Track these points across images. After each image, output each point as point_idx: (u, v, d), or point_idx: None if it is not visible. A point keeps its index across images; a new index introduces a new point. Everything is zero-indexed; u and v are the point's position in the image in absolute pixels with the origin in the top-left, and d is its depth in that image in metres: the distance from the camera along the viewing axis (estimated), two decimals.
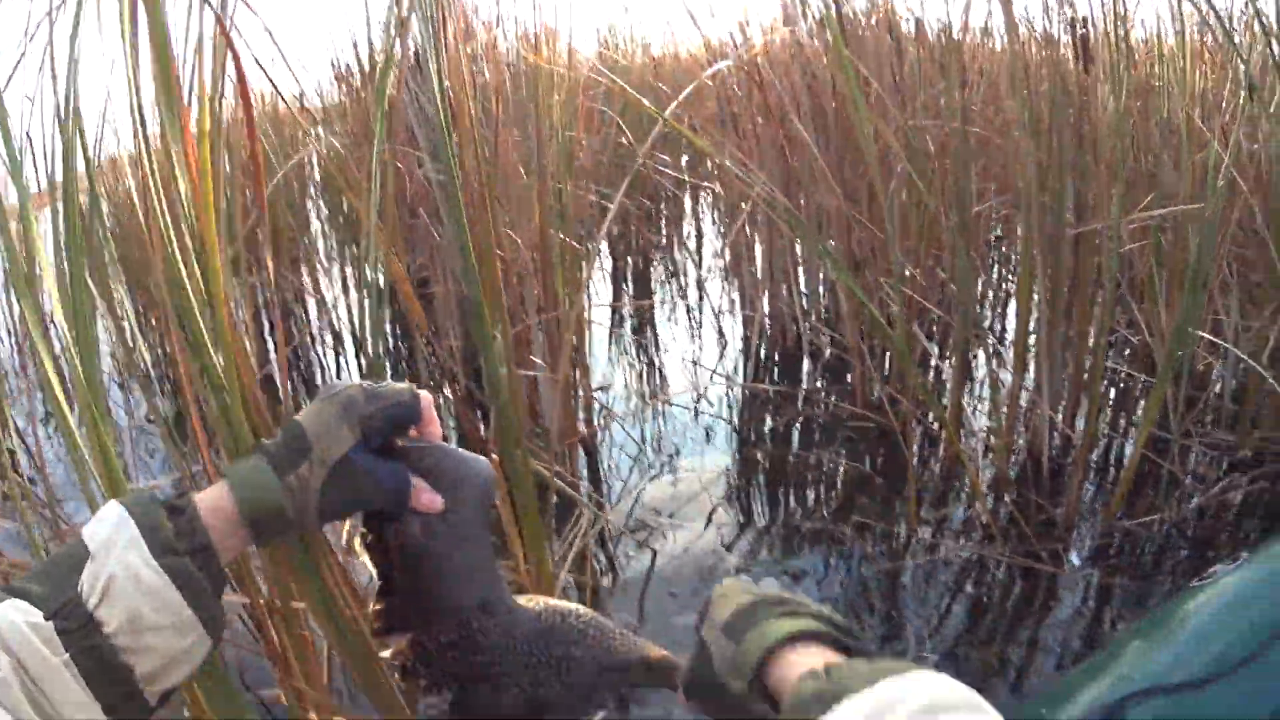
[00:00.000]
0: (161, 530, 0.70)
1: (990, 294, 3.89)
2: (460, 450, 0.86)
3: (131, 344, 2.41)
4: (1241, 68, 2.12)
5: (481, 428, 2.86)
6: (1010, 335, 3.49)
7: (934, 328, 3.45)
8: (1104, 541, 2.38)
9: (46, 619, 0.64)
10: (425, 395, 0.85)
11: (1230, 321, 2.70)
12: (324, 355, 4.45)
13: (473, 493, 0.85)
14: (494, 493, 0.88)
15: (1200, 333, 2.51)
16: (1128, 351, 3.30)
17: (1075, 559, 2.34)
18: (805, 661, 0.69)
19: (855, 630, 0.76)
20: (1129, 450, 2.79)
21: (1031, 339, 2.71)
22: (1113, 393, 3.18)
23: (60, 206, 1.06)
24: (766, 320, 3.92)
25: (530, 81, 2.47)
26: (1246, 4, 2.57)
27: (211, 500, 0.76)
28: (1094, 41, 2.47)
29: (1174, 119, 2.53)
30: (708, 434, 3.23)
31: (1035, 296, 2.63)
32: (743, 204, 3.79)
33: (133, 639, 0.67)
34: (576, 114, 3.00)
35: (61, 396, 1.10)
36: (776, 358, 3.89)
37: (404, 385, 0.84)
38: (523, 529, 1.66)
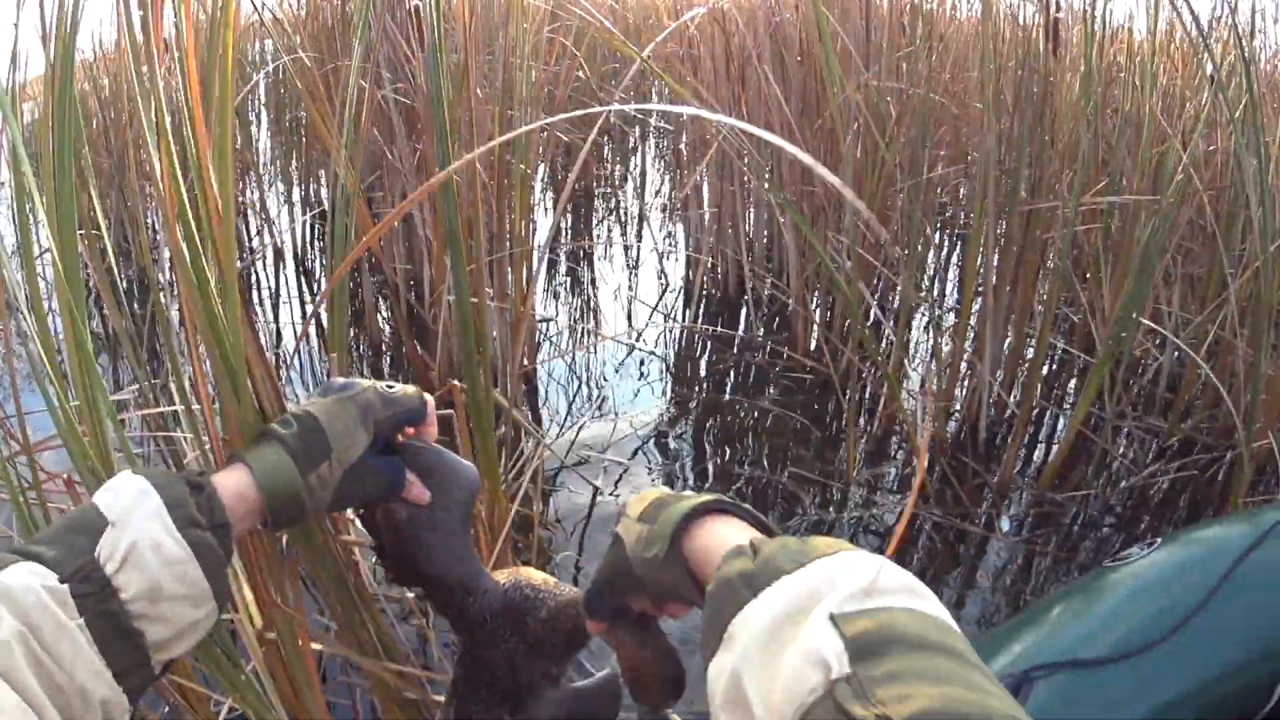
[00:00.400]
0: (185, 505, 0.73)
1: (937, 260, 3.96)
2: (452, 455, 0.96)
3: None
4: (1209, 67, 2.18)
5: (419, 348, 2.86)
6: (954, 302, 3.57)
7: (879, 287, 3.51)
8: (1034, 511, 2.47)
9: (61, 582, 0.65)
10: (429, 399, 0.93)
11: (1171, 312, 2.80)
12: (265, 270, 4.36)
13: (459, 494, 0.95)
14: (477, 496, 0.98)
15: (1142, 319, 2.59)
16: (1065, 327, 3.39)
17: (1006, 524, 2.43)
18: (727, 534, 0.69)
19: (773, 527, 0.74)
20: (1061, 424, 2.89)
21: (975, 306, 2.78)
22: (1049, 367, 3.27)
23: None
24: (711, 264, 3.94)
25: (502, 8, 2.45)
26: (1218, 5, 2.65)
27: (234, 486, 0.79)
28: (1065, 27, 2.51)
29: (1137, 111, 2.59)
30: (645, 373, 3.26)
31: (981, 265, 2.69)
32: (700, 146, 3.79)
33: (149, 606, 0.69)
34: (539, 45, 2.97)
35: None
36: (717, 303, 3.92)
37: (413, 390, 0.93)
38: (479, 460, 1.67)
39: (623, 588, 0.80)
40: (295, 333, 3.53)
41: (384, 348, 3.31)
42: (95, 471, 1.10)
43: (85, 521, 0.70)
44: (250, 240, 4.53)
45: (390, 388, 0.92)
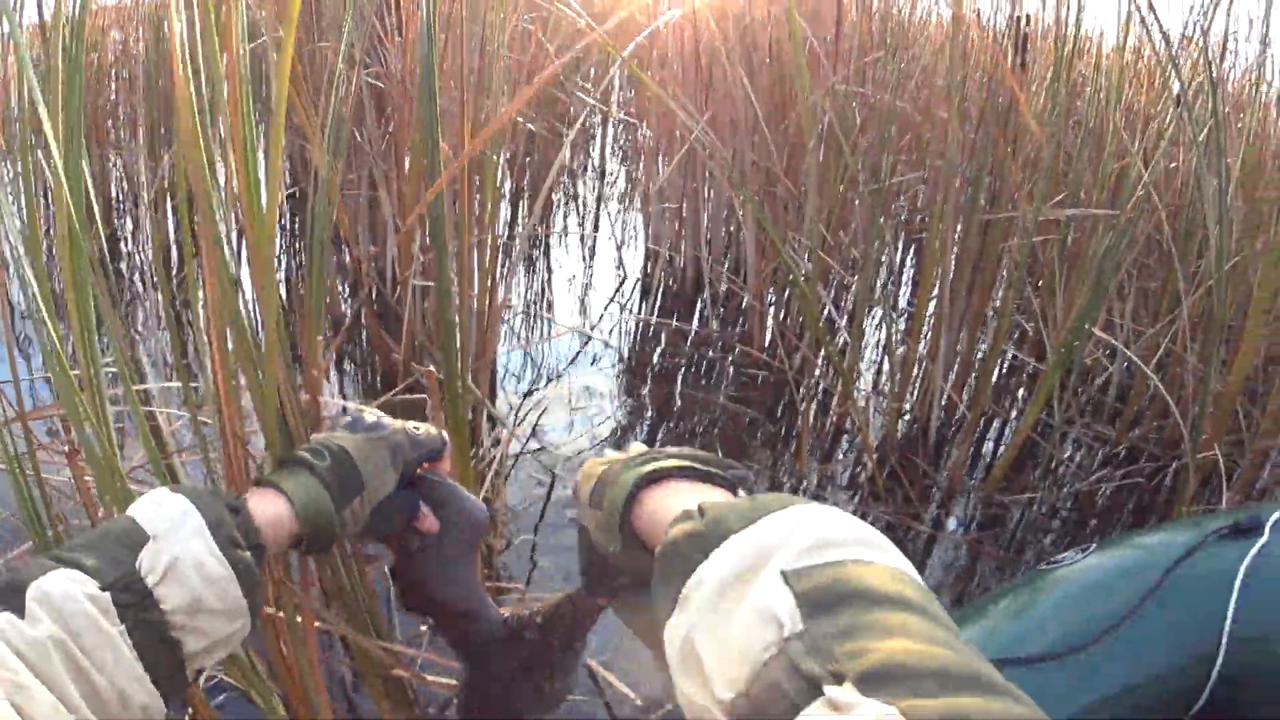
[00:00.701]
0: (226, 526, 0.76)
1: (893, 262, 4.01)
2: (463, 491, 1.02)
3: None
4: (1176, 86, 2.24)
5: (385, 336, 2.87)
6: (906, 305, 3.63)
7: (835, 287, 3.57)
8: (981, 511, 2.54)
9: (102, 590, 0.67)
10: (447, 438, 1.01)
11: (1124, 324, 2.87)
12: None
13: (468, 528, 1.01)
14: (485, 533, 1.08)
15: (1095, 330, 2.65)
16: (1017, 335, 3.46)
17: (953, 524, 2.49)
18: (673, 502, 0.69)
19: (731, 464, 0.75)
20: (1010, 428, 2.96)
21: (930, 307, 2.84)
22: (1000, 372, 3.33)
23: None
24: (669, 258, 3.97)
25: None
26: (1189, 25, 2.72)
27: (272, 513, 0.84)
28: (1034, 41, 2.56)
29: (1101, 125, 2.65)
30: (600, 364, 3.29)
31: (938, 272, 2.75)
32: (664, 141, 3.82)
33: (188, 619, 0.72)
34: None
35: None
36: (674, 296, 3.95)
37: (435, 432, 0.99)
38: (453, 443, 1.69)
39: (604, 572, 0.84)
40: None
41: (344, 328, 3.30)
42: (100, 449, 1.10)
43: (124, 534, 0.73)
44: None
45: (416, 429, 0.98)
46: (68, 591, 0.65)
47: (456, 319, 1.70)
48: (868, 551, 0.54)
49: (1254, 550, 1.45)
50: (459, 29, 2.45)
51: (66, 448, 1.20)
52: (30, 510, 1.24)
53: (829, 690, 0.44)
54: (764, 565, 0.53)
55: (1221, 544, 1.49)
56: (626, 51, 2.36)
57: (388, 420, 0.97)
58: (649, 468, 0.74)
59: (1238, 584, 1.42)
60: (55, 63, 1.01)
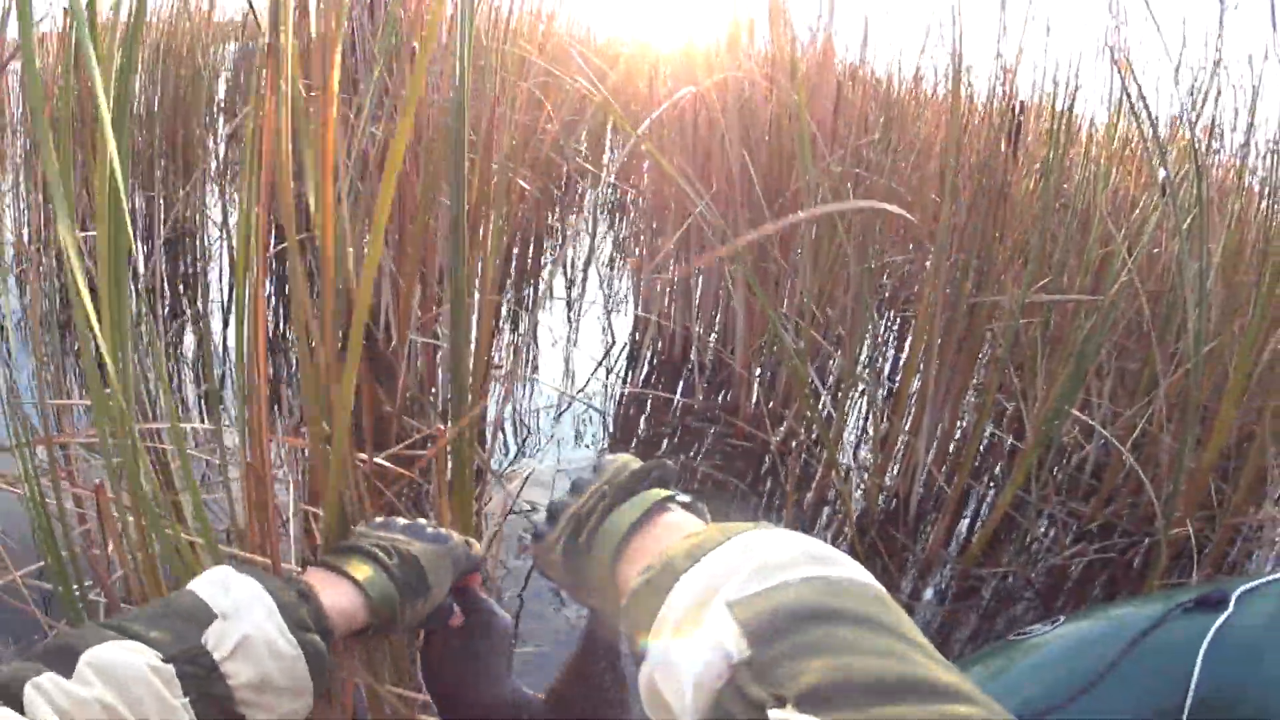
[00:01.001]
0: (296, 610, 0.79)
1: (877, 338, 4.08)
2: (490, 601, 1.06)
3: None
4: (1162, 173, 2.32)
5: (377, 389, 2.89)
6: (890, 379, 3.70)
7: (819, 359, 3.62)
8: (957, 584, 2.58)
9: (165, 661, 0.69)
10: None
11: (1101, 404, 2.94)
12: (220, 279, 4.33)
13: (498, 637, 1.05)
14: (511, 637, 1.08)
15: (1074, 411, 2.72)
16: (998, 412, 3.52)
17: (930, 595, 2.54)
18: (640, 558, 0.71)
19: (660, 465, 0.81)
20: (986, 504, 3.01)
21: (914, 384, 2.90)
22: (980, 449, 3.38)
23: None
24: (660, 324, 4.02)
25: (497, 64, 2.52)
26: (1178, 118, 2.82)
27: (345, 605, 0.87)
28: (1026, 130, 2.66)
29: (1087, 209, 2.73)
30: (585, 427, 3.32)
31: (924, 352, 2.81)
32: (661, 212, 3.89)
33: (254, 694, 0.74)
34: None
35: None
36: (662, 364, 4.00)
37: (478, 548, 1.05)
38: (456, 503, 1.72)
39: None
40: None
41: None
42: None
43: (188, 610, 0.75)
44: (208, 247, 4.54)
45: (468, 543, 1.03)
46: (128, 661, 0.67)
47: (469, 379, 1.73)
48: (815, 567, 0.55)
49: (1218, 623, 1.50)
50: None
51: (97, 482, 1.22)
52: (45, 529, 1.26)
53: (772, 714, 0.45)
54: (711, 598, 0.55)
55: (1188, 616, 1.53)
56: (641, 129, 2.44)
57: (446, 532, 1.01)
58: (614, 539, 0.76)
59: (1201, 654, 1.46)
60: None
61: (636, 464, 0.84)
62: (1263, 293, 2.32)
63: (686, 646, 0.53)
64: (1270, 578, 1.60)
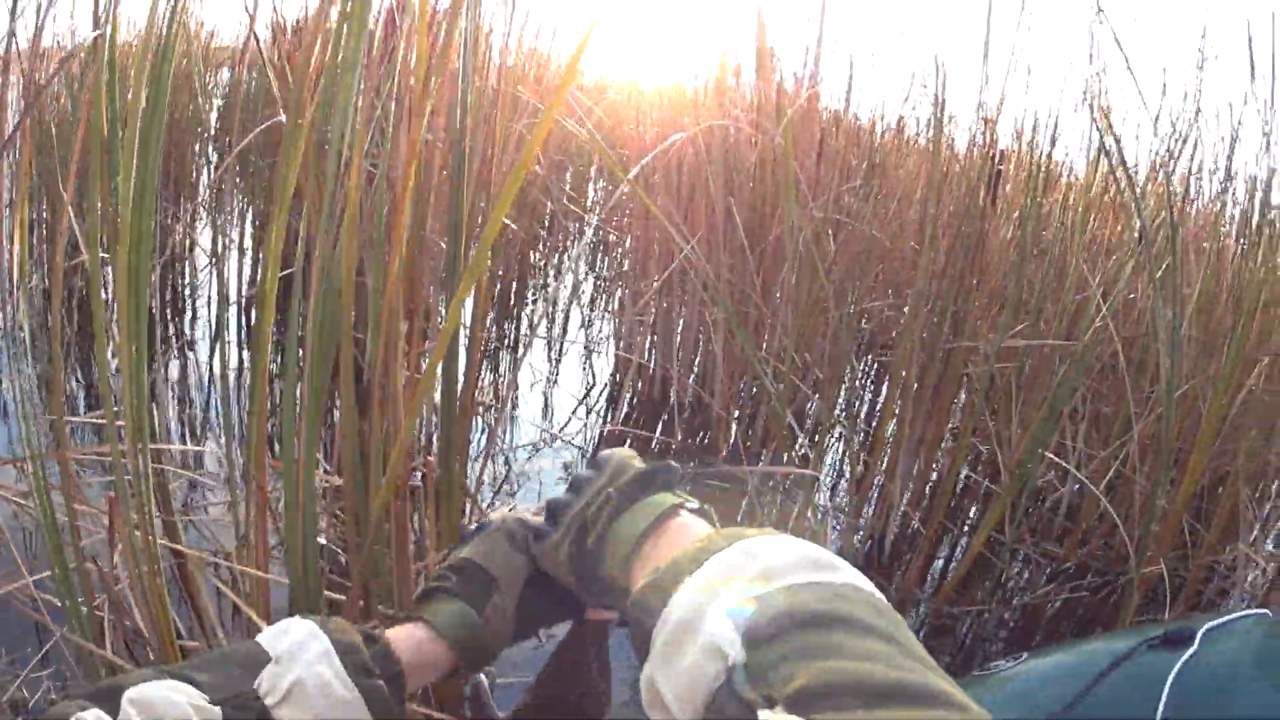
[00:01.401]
0: (358, 653, 0.74)
1: (855, 382, 4.13)
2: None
3: None
4: (1138, 223, 2.37)
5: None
6: (867, 422, 3.73)
7: (799, 404, 3.66)
8: (931, 622, 2.61)
9: (212, 704, 0.67)
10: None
11: (1076, 447, 2.98)
12: (208, 310, 4.33)
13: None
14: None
15: (1048, 454, 2.76)
16: (972, 456, 3.56)
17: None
18: (651, 564, 0.70)
19: (668, 468, 0.80)
20: (962, 544, 3.04)
21: (891, 427, 2.94)
22: (954, 491, 3.42)
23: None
24: (641, 365, 4.05)
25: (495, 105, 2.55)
26: (1155, 166, 2.88)
27: (412, 639, 0.81)
28: (1005, 178, 2.72)
29: (1063, 257, 2.79)
30: (566, 466, 3.34)
31: (900, 397, 2.86)
32: (645, 255, 3.93)
33: None
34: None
35: None
36: (642, 404, 4.03)
37: (540, 517, 0.92)
38: (443, 537, 1.74)
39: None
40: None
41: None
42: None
43: (244, 655, 0.72)
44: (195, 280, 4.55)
45: (513, 513, 0.93)
46: (171, 699, 0.65)
47: (459, 416, 1.75)
48: (814, 573, 0.55)
49: (1183, 659, 1.49)
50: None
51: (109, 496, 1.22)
52: (55, 542, 1.27)
53: (762, 715, 0.46)
54: (712, 601, 0.55)
55: (1153, 652, 1.53)
56: (633, 174, 2.48)
57: (492, 517, 0.92)
58: (626, 546, 0.76)
59: (1166, 690, 1.45)
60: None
61: (638, 462, 0.83)
62: (1237, 337, 2.36)
63: (686, 649, 0.54)
64: (1236, 615, 1.61)
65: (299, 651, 0.72)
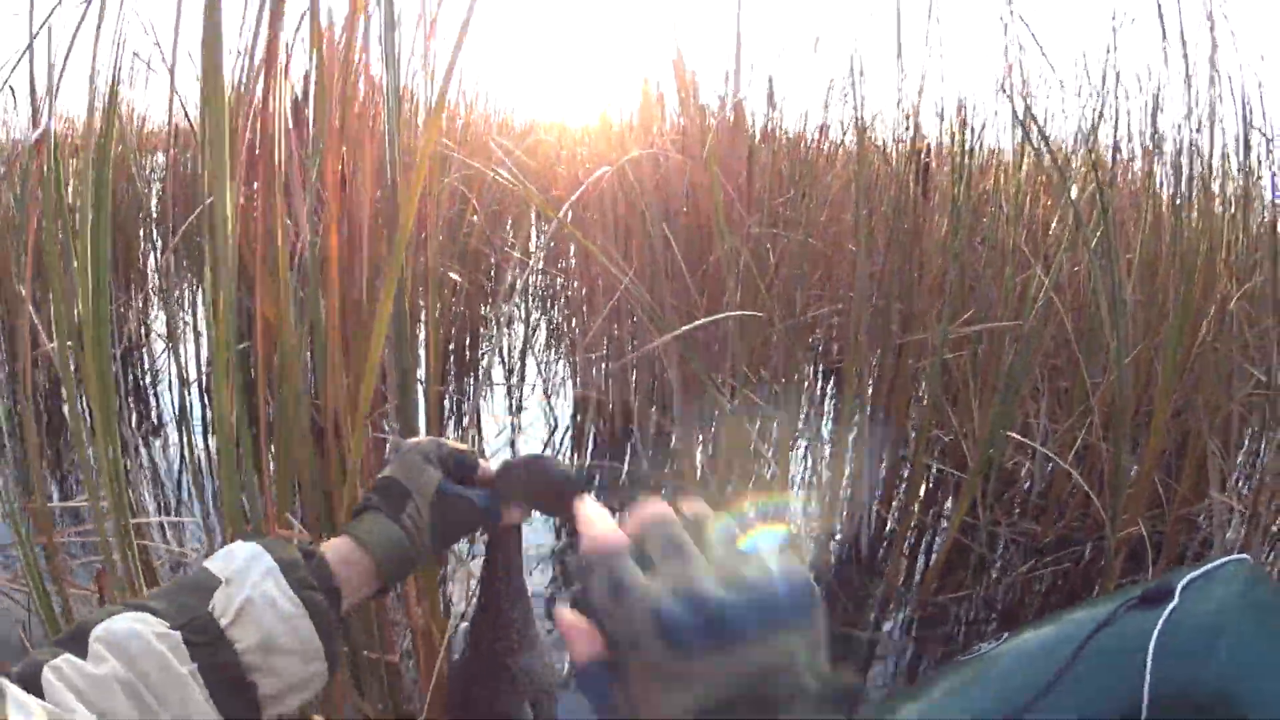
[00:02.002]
0: (298, 568, 0.77)
1: (813, 392, 4.14)
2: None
3: None
4: (1074, 191, 2.39)
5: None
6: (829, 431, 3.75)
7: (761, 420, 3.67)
8: (919, 614, 2.64)
9: (172, 629, 0.69)
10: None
11: (1039, 424, 3.01)
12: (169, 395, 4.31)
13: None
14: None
15: (1011, 434, 2.78)
16: (938, 448, 3.58)
17: (895, 628, 2.59)
18: None
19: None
20: (940, 536, 3.06)
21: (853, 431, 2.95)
22: (925, 485, 3.44)
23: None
24: (600, 402, 4.05)
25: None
26: (1082, 138, 2.92)
27: (341, 553, 0.84)
28: (934, 169, 2.75)
29: (1003, 242, 2.82)
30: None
31: (856, 398, 2.87)
32: (589, 291, 3.94)
33: (261, 658, 0.73)
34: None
35: None
36: (606, 440, 4.03)
37: (465, 445, 0.97)
38: (421, 583, 1.73)
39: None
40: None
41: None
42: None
43: (196, 581, 0.75)
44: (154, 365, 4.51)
45: (439, 439, 0.96)
46: (133, 630, 0.67)
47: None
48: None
49: (1165, 615, 1.51)
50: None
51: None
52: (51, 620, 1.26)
53: None
54: None
55: (1134, 613, 1.54)
56: (562, 211, 2.49)
57: (412, 439, 0.95)
58: None
59: (1152, 647, 1.47)
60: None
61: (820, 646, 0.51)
62: (1183, 295, 2.40)
63: None
64: (1213, 564, 1.62)
65: (246, 572, 0.75)
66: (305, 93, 1.90)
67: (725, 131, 3.35)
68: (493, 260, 4.69)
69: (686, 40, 3.41)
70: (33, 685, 0.62)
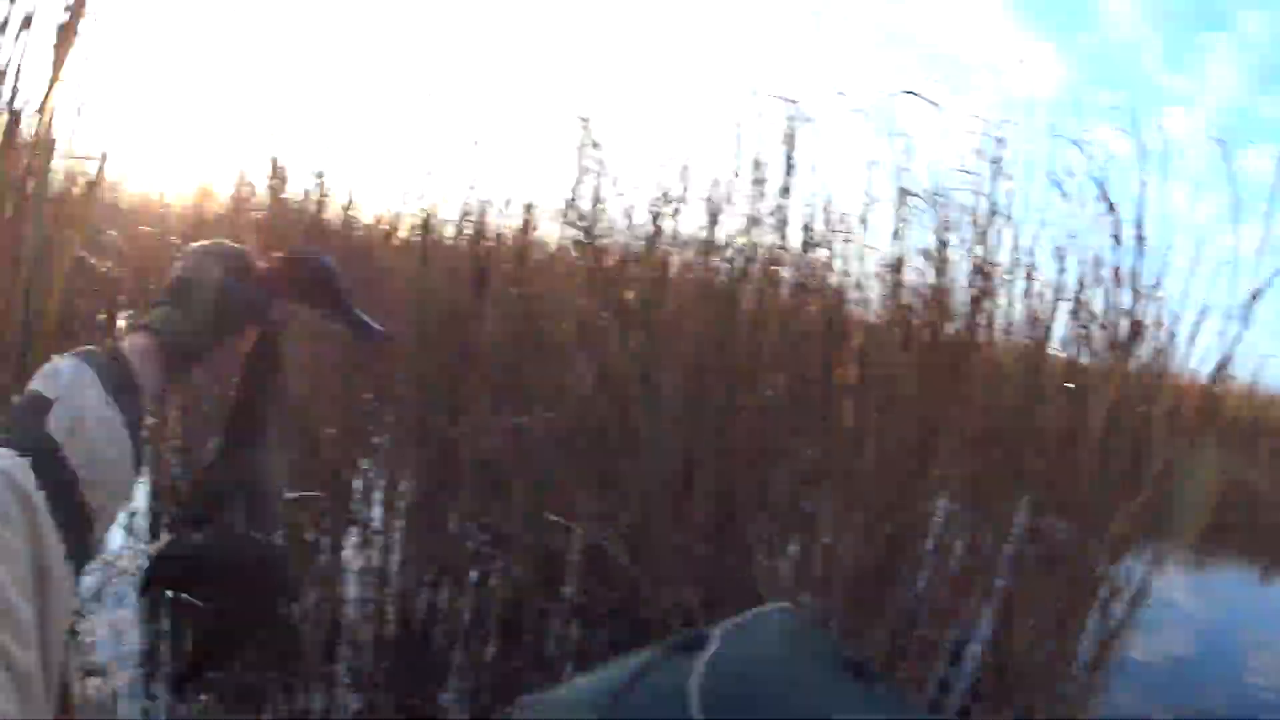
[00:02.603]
0: (113, 374, 0.77)
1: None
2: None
3: None
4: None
5: None
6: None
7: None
8: (482, 681, 2.79)
9: (21, 456, 0.67)
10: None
11: (583, 504, 3.16)
12: None
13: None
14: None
15: (552, 516, 2.94)
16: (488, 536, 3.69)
17: (450, 698, 2.72)
18: None
19: None
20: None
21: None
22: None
23: None
24: None
25: None
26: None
27: (139, 345, 0.84)
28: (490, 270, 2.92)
29: (552, 339, 3.00)
30: None
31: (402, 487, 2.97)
32: None
33: (90, 471, 0.71)
34: None
35: None
36: None
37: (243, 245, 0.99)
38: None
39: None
40: None
41: None
42: None
43: (30, 405, 0.73)
44: None
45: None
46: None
47: None
48: None
49: (706, 658, 1.43)
50: None
51: None
52: None
53: None
54: None
55: (673, 659, 1.44)
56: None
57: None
58: None
59: (695, 691, 1.34)
60: None
61: None
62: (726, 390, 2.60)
63: None
64: (755, 611, 1.63)
65: (73, 387, 0.74)
66: None
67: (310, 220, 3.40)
68: None
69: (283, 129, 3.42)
70: None
